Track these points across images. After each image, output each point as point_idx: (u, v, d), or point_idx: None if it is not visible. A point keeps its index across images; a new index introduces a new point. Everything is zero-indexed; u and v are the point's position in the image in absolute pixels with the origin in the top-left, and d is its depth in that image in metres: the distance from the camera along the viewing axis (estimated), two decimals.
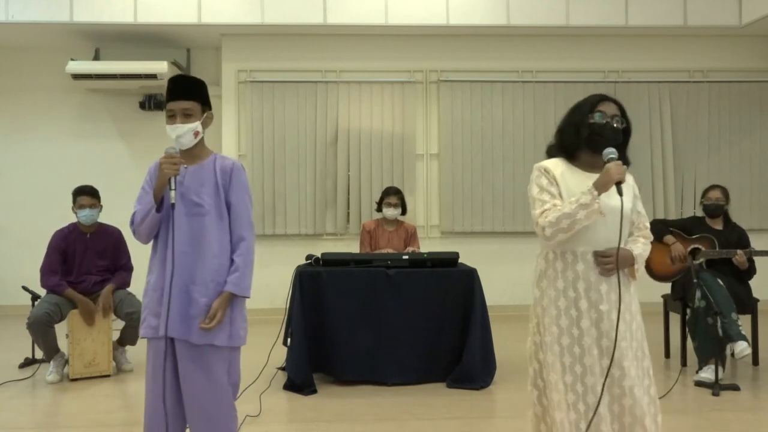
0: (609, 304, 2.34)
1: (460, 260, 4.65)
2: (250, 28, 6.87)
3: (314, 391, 4.21)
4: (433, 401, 4.05)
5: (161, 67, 6.73)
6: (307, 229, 7.10)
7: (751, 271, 4.70)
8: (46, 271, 4.61)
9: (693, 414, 3.82)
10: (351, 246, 6.63)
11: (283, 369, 4.55)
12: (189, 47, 7.46)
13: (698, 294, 4.35)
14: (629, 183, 2.49)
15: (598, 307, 2.35)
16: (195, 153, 2.60)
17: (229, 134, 7.14)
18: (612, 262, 2.33)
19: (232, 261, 2.56)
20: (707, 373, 4.31)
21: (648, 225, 2.53)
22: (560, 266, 2.41)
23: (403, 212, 5.39)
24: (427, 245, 6.96)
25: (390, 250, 5.18)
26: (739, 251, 4.58)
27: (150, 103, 7.34)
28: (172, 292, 2.47)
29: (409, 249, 5.17)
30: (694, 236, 4.80)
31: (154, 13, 6.59)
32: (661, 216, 6.89)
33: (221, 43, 7.12)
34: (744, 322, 4.44)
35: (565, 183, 2.42)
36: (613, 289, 2.35)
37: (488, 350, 4.40)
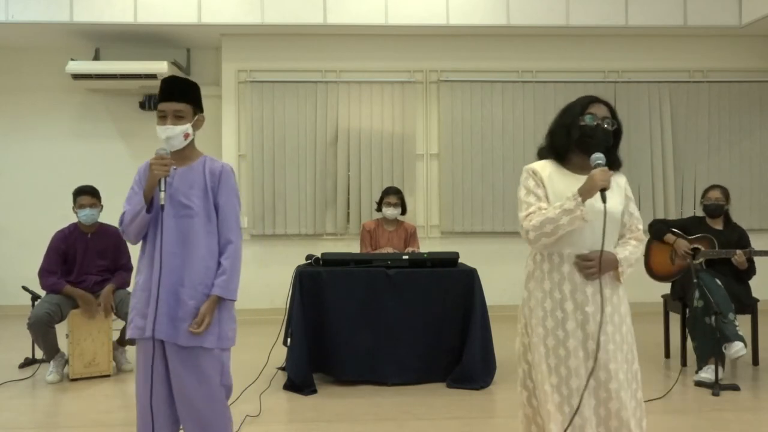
0: (595, 306, 2.33)
1: (460, 260, 4.65)
2: (250, 28, 6.87)
3: (314, 391, 4.21)
4: (433, 401, 4.05)
5: (161, 67, 6.73)
6: (307, 229, 7.10)
7: (750, 271, 4.70)
8: (44, 272, 4.62)
9: (693, 414, 3.82)
10: (351, 246, 6.63)
11: (283, 369, 4.55)
12: (189, 47, 7.46)
13: (696, 294, 4.35)
14: (620, 185, 2.47)
15: (584, 309, 2.34)
16: (185, 154, 2.60)
17: (229, 134, 7.14)
18: (592, 266, 2.32)
19: (219, 264, 2.56)
20: (707, 373, 4.31)
21: (641, 227, 2.50)
22: (547, 268, 2.41)
23: (403, 212, 5.39)
24: (427, 245, 6.97)
25: (390, 250, 5.19)
26: (738, 251, 4.58)
27: (150, 103, 7.34)
28: (160, 294, 2.47)
29: (409, 249, 5.17)
30: (693, 236, 4.80)
31: (154, 13, 6.60)
32: (661, 216, 6.89)
33: (221, 43, 7.12)
34: (744, 322, 4.44)
35: (552, 185, 2.42)
36: (598, 292, 2.34)
37: (488, 350, 4.40)
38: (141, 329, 2.53)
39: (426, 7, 6.78)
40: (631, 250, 2.41)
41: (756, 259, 4.70)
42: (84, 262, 4.69)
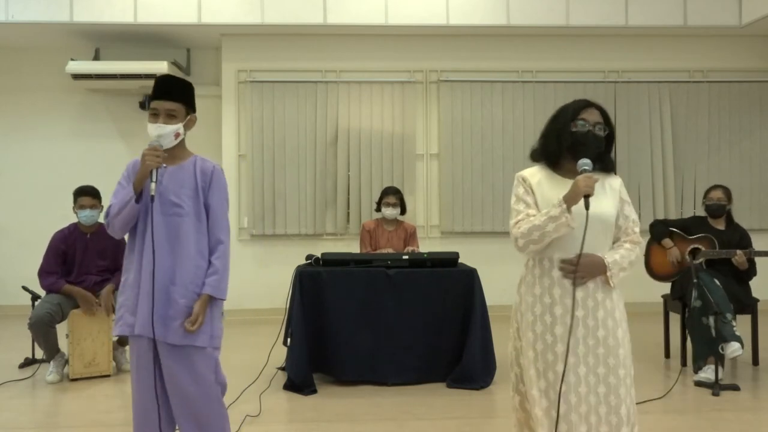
0: (585, 311, 2.32)
1: (460, 260, 4.65)
2: (250, 28, 6.87)
3: (314, 391, 4.21)
4: (433, 401, 4.05)
5: (161, 67, 6.72)
6: (307, 229, 7.10)
7: (751, 272, 4.70)
8: (44, 272, 4.63)
9: (693, 414, 3.82)
10: (351, 246, 6.63)
11: (283, 369, 4.55)
12: (189, 47, 7.46)
13: (695, 294, 4.35)
14: (614, 187, 2.44)
15: (574, 313, 2.32)
16: (175, 154, 2.60)
17: (229, 134, 7.14)
18: (570, 270, 2.31)
19: (209, 263, 2.57)
20: (707, 373, 4.31)
21: (637, 230, 2.45)
22: (538, 272, 2.40)
23: (403, 212, 5.39)
24: (427, 245, 6.97)
25: (390, 250, 5.19)
26: (738, 252, 4.58)
27: (150, 104, 7.33)
28: (152, 292, 2.47)
29: (409, 249, 5.17)
30: (694, 236, 4.80)
31: (154, 13, 6.60)
32: (661, 216, 6.89)
33: (221, 43, 7.12)
34: (743, 322, 4.44)
35: (542, 192, 2.41)
36: (590, 296, 2.33)
37: (488, 350, 4.40)
38: (131, 326, 2.52)
39: (426, 7, 6.78)
40: (622, 254, 2.37)
41: (757, 259, 4.70)
42: (84, 262, 4.69)
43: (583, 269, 2.31)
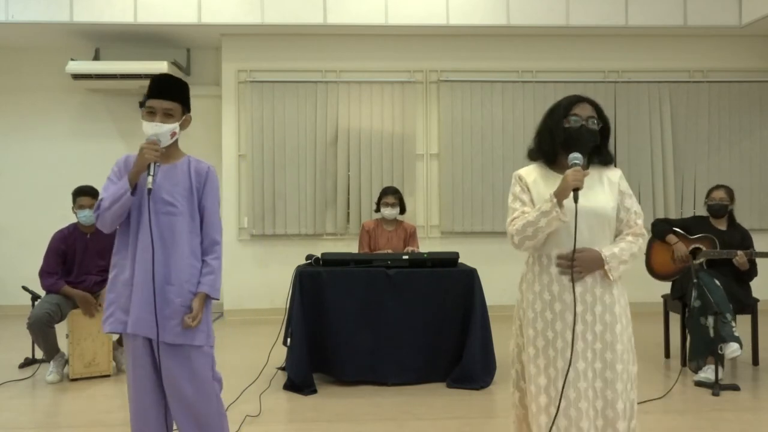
0: (583, 306, 2.32)
1: (460, 260, 4.65)
2: (250, 28, 6.88)
3: (314, 391, 4.21)
4: (433, 401, 4.05)
5: (161, 67, 6.72)
6: (307, 229, 7.10)
7: (752, 272, 4.69)
8: (44, 272, 4.63)
9: (693, 414, 3.82)
10: (351, 246, 6.63)
11: (283, 369, 4.55)
12: (189, 47, 7.46)
13: (694, 293, 4.35)
14: (612, 180, 2.43)
15: (574, 309, 2.33)
16: (169, 153, 2.60)
17: (229, 134, 7.14)
18: (565, 265, 2.32)
19: (203, 262, 2.59)
20: (707, 373, 4.31)
21: (640, 222, 2.43)
22: (537, 270, 2.41)
23: (402, 212, 5.39)
24: (427, 245, 6.97)
25: (389, 250, 5.18)
26: (739, 252, 4.57)
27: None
28: (147, 291, 2.47)
29: (409, 249, 5.17)
30: (695, 236, 4.80)
31: (154, 13, 6.60)
32: (661, 216, 6.89)
33: (221, 43, 7.12)
34: (743, 323, 4.44)
35: (537, 189, 2.41)
36: (588, 291, 2.33)
37: (488, 350, 4.40)
38: (123, 324, 2.52)
39: (426, 7, 6.79)
40: (623, 246, 2.35)
41: (758, 260, 4.69)
42: (84, 262, 4.70)
43: (580, 264, 2.31)
